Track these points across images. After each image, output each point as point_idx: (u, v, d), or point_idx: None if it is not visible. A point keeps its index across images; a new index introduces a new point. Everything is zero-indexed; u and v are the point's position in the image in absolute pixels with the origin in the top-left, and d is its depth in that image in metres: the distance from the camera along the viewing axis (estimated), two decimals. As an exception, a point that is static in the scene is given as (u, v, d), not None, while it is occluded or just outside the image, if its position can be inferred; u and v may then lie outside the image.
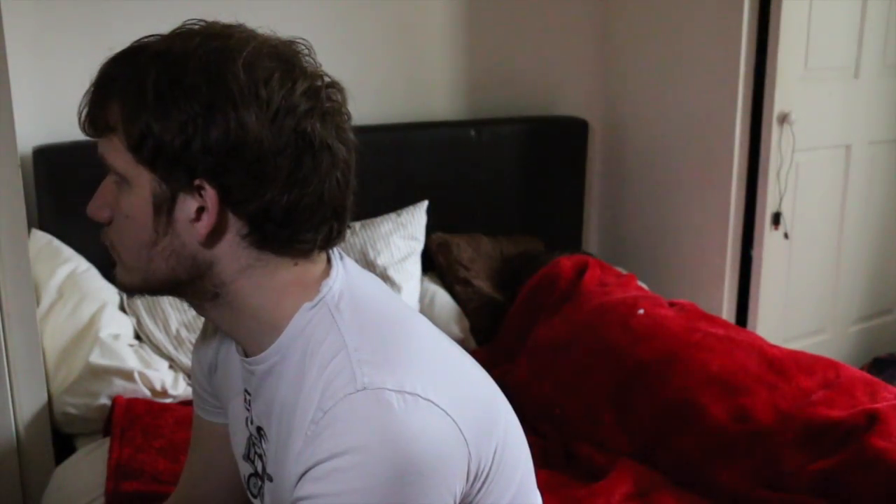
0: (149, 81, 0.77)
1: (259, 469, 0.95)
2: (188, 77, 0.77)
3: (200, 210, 0.81)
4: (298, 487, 0.79)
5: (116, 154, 0.81)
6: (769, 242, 2.61)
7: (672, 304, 2.14)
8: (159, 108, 0.77)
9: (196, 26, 0.82)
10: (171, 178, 0.79)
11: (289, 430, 0.83)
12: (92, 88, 0.82)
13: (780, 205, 2.59)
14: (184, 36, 0.81)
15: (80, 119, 0.83)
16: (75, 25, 2.14)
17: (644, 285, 2.43)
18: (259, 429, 0.92)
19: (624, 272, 2.43)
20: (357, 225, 2.39)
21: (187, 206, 0.81)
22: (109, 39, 0.89)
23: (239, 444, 0.99)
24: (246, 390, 0.94)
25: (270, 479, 0.90)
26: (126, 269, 0.87)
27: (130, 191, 0.81)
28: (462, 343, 2.31)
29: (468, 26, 2.72)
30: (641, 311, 2.01)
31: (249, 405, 0.94)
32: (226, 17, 0.86)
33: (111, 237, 0.86)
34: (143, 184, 0.80)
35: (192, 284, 0.85)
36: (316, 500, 0.76)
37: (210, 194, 0.79)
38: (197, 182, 0.79)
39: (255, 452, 0.95)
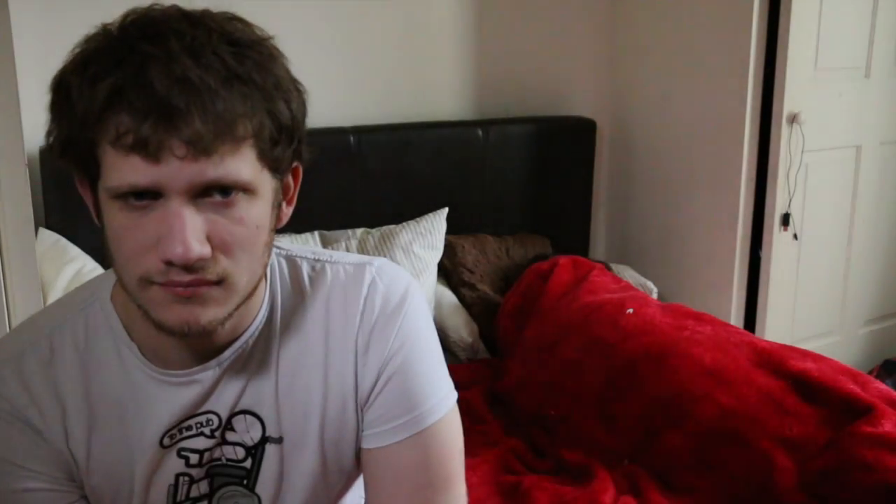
0: (243, 71, 0.67)
1: (240, 454, 0.86)
2: (262, 59, 0.70)
3: (287, 190, 0.78)
4: (383, 376, 0.84)
5: (243, 164, 0.69)
6: (778, 243, 2.60)
7: (660, 304, 2.13)
8: (268, 95, 0.69)
9: (158, 13, 0.74)
10: (281, 167, 0.74)
11: (322, 370, 0.84)
12: (190, 107, 0.65)
13: (789, 206, 2.58)
14: (209, 21, 0.70)
15: (190, 148, 0.66)
16: (82, 26, 2.13)
17: (631, 280, 2.41)
18: (237, 413, 0.84)
19: (597, 264, 2.40)
20: (377, 232, 2.37)
21: (284, 189, 0.77)
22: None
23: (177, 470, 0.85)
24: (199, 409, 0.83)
25: (277, 441, 0.85)
26: (228, 297, 0.72)
27: (256, 199, 0.71)
28: (472, 348, 2.32)
29: (476, 26, 2.71)
30: (630, 311, 2.01)
31: (210, 409, 0.84)
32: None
33: (225, 268, 0.71)
34: (266, 183, 0.72)
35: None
36: (405, 353, 0.84)
37: (297, 170, 0.79)
38: (295, 164, 0.77)
39: (228, 441, 0.85)
